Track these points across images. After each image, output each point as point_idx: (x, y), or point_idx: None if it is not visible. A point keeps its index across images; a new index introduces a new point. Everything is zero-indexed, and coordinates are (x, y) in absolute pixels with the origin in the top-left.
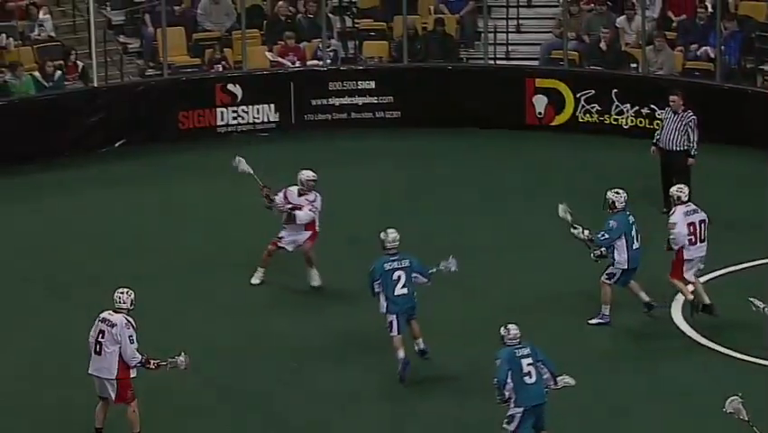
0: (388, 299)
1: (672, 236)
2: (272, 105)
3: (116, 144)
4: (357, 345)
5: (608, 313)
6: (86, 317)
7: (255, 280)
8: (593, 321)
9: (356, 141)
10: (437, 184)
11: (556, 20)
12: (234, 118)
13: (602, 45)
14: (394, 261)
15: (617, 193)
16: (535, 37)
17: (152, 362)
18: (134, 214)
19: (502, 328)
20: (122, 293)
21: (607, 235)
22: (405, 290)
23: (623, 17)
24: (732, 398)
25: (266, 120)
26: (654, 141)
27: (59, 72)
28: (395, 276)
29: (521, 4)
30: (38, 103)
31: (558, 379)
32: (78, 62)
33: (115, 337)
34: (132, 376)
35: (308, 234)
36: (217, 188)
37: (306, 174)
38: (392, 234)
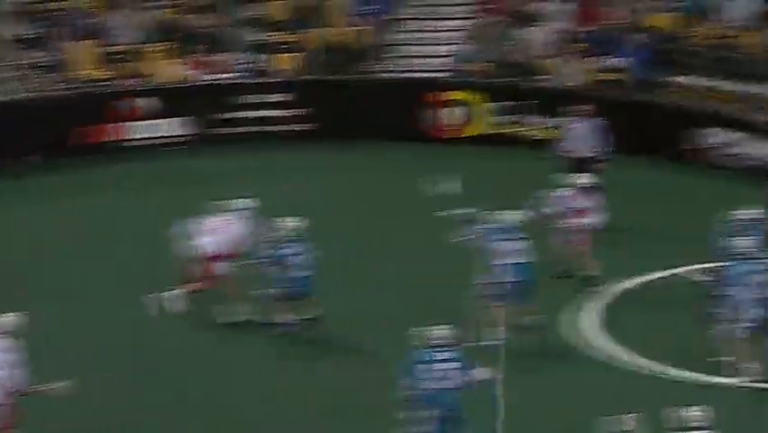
0: None
1: None
2: (184, 119)
3: (27, 159)
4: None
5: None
6: None
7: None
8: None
9: (270, 153)
10: (347, 195)
11: (466, 32)
12: (144, 132)
13: (512, 57)
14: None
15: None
16: (446, 49)
17: (35, 388)
18: (40, 229)
19: (423, 332)
20: (5, 318)
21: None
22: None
23: (531, 29)
24: (630, 416)
25: (178, 133)
26: (561, 148)
27: None
28: None
29: (431, 16)
30: None
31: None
32: None
33: None
34: (13, 402)
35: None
36: (124, 202)
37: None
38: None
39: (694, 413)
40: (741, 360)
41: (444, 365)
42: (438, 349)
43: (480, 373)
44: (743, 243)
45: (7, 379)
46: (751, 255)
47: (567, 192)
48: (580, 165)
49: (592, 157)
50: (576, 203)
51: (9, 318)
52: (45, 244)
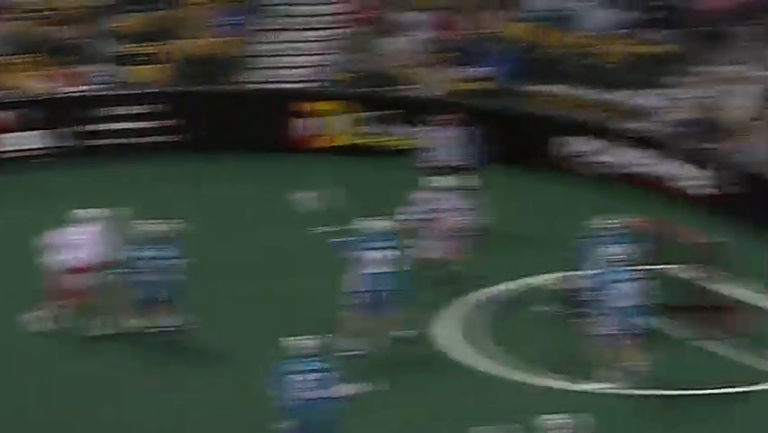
0: None
1: None
2: (50, 131)
3: None
4: None
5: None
6: None
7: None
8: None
9: (137, 165)
10: (214, 206)
11: (331, 43)
12: (10, 145)
13: (377, 67)
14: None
15: None
16: (312, 60)
17: None
18: None
19: (290, 343)
20: None
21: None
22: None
23: (396, 39)
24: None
25: (44, 146)
26: (427, 158)
27: None
28: None
29: (297, 27)
30: None
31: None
32: None
33: None
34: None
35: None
36: None
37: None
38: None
39: (559, 420)
40: (609, 366)
41: (310, 376)
42: (304, 360)
43: (348, 389)
44: (613, 250)
45: None
46: (621, 263)
47: (434, 196)
48: (447, 174)
49: (458, 166)
50: (444, 205)
51: None
52: None
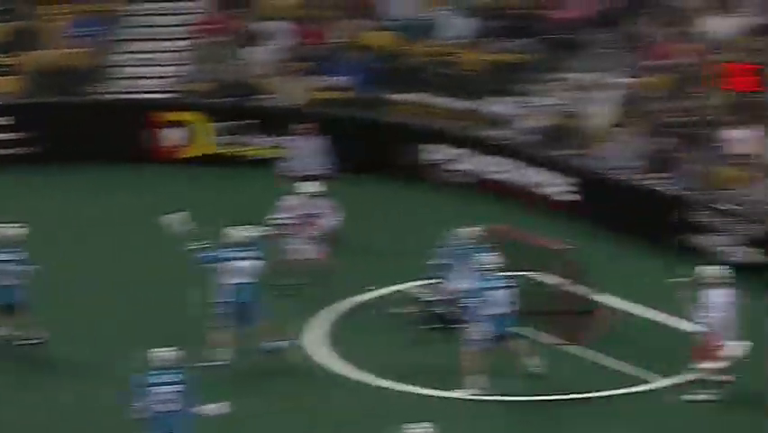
0: None
1: None
2: None
3: None
4: None
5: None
6: None
7: None
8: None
9: None
10: (69, 217)
11: (188, 53)
12: None
13: (234, 77)
14: None
15: None
16: (166, 70)
17: None
18: None
19: (149, 354)
20: None
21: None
22: None
23: (254, 48)
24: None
25: None
26: (285, 167)
27: None
28: None
29: (152, 37)
30: None
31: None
32: None
33: None
34: None
35: None
36: None
37: None
38: None
39: (419, 429)
40: (480, 373)
41: (168, 388)
42: (163, 371)
43: (211, 409)
44: (486, 259)
45: None
46: (493, 271)
47: (299, 202)
48: (306, 182)
49: (316, 175)
50: (309, 211)
51: None
52: None
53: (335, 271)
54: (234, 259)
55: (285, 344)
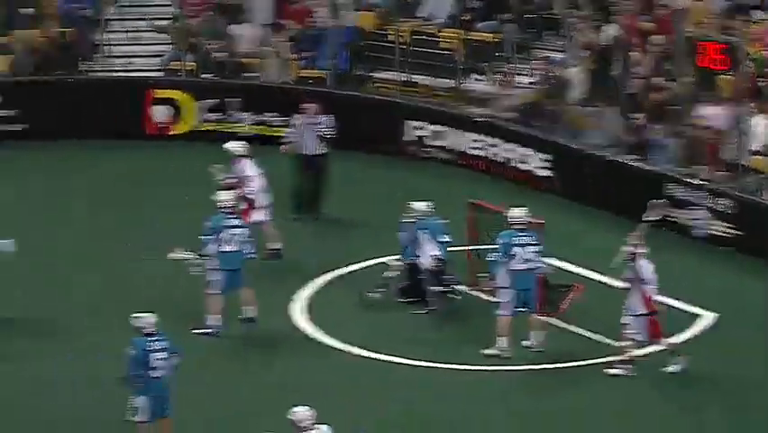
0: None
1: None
2: None
3: None
4: None
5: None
6: None
7: None
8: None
9: None
10: (56, 194)
11: (174, 30)
12: None
13: (220, 54)
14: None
15: None
16: (154, 49)
17: None
18: None
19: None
20: None
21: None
22: None
23: (237, 25)
24: None
25: None
26: (287, 144)
27: None
28: None
29: (137, 17)
30: None
31: None
32: None
33: None
34: None
35: None
36: None
37: None
38: None
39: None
40: (503, 335)
41: (162, 354)
42: (153, 337)
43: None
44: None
45: None
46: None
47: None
48: (307, 161)
49: (323, 153)
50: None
51: None
52: None
53: (318, 246)
54: (230, 227)
55: (257, 315)
